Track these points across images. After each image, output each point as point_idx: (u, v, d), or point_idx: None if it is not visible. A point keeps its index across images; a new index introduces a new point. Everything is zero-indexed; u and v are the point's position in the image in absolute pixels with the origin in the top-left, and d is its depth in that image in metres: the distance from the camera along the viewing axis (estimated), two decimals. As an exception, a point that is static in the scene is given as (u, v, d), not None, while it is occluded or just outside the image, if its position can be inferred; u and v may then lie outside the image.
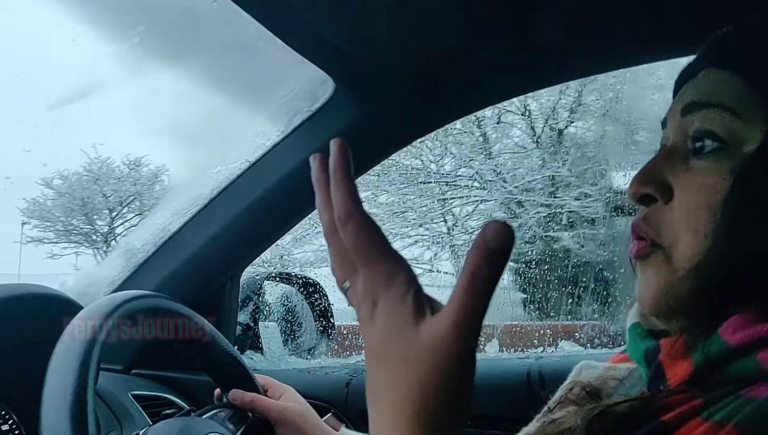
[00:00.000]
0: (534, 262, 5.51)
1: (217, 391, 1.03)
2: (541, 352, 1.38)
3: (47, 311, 0.93)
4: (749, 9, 0.59)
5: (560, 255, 5.70)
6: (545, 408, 0.66)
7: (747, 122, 0.54)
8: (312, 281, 1.72)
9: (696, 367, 0.51)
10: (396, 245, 0.47)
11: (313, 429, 1.00)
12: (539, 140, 6.55)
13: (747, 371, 0.48)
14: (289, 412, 1.00)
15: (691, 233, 0.54)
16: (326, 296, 1.71)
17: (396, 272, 0.45)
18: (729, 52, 0.58)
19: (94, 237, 9.95)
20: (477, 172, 6.66)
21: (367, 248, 0.46)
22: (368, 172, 1.34)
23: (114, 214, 9.89)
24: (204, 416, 0.92)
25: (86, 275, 1.36)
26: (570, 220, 6.09)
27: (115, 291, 1.24)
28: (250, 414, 0.99)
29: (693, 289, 0.53)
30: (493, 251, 0.41)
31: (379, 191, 6.68)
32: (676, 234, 0.56)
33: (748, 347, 0.49)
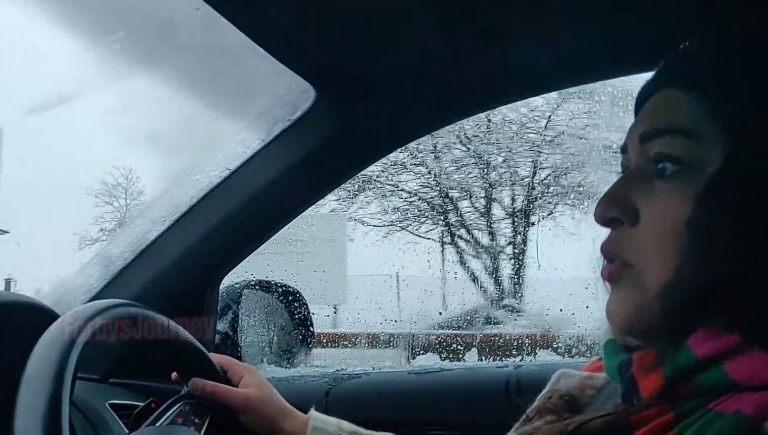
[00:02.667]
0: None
1: (174, 374, 1.00)
2: (520, 360, 1.39)
3: (21, 320, 0.91)
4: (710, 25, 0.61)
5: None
6: (524, 417, 0.67)
7: (706, 143, 0.54)
8: (292, 290, 1.71)
9: (666, 379, 0.52)
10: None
11: (277, 413, 0.98)
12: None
13: (715, 382, 0.50)
14: (250, 399, 0.98)
15: (658, 255, 0.55)
16: (306, 305, 1.71)
17: None
18: (685, 70, 0.59)
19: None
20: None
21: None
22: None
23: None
24: (169, 412, 0.90)
25: (62, 283, 1.35)
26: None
27: (92, 299, 1.23)
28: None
29: (662, 308, 0.54)
30: None
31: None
32: (644, 256, 0.56)
33: (715, 358, 0.50)
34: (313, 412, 1.01)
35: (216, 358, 1.01)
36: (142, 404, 0.96)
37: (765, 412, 0.46)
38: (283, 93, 1.17)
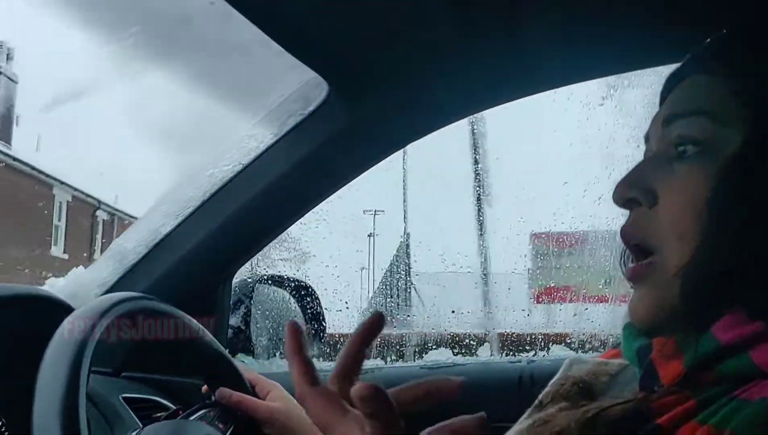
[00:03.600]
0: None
1: (205, 386, 1.02)
2: (533, 355, 1.39)
3: (37, 313, 0.92)
4: (734, 16, 0.60)
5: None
6: (536, 402, 0.66)
7: (727, 126, 0.54)
8: (304, 284, 1.71)
9: (688, 366, 0.51)
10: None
11: (301, 428, 0.99)
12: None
13: (739, 369, 0.49)
14: (276, 413, 0.99)
15: (677, 236, 0.55)
16: (318, 300, 1.71)
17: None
18: (713, 58, 0.59)
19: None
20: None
21: (321, 418, 0.52)
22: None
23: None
24: (193, 417, 0.91)
25: (76, 277, 1.35)
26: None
27: (105, 293, 1.23)
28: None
29: (683, 291, 0.53)
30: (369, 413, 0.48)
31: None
32: (663, 238, 0.56)
33: (740, 345, 0.49)
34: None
35: (245, 373, 1.03)
36: (157, 399, 0.96)
37: None
38: (296, 87, 1.16)
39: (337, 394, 0.53)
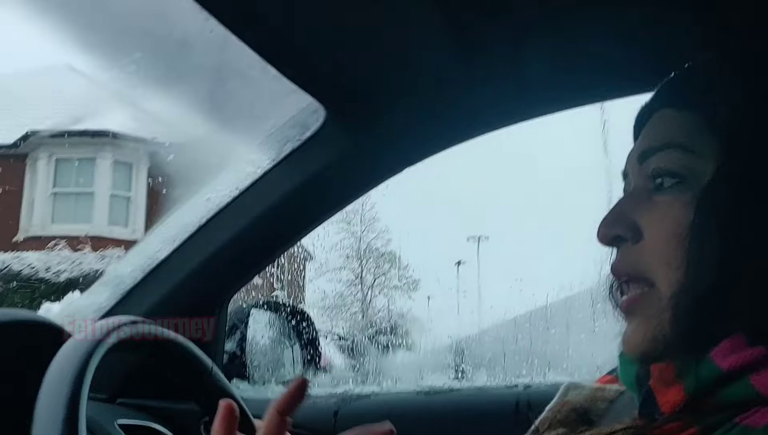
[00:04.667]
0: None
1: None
2: (530, 380, 1.38)
3: (35, 338, 0.92)
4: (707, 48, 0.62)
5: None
6: (533, 428, 0.66)
7: (700, 156, 0.56)
8: (299, 310, 1.71)
9: (688, 393, 0.51)
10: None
11: None
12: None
13: (740, 395, 0.49)
14: None
15: (664, 265, 0.56)
16: (313, 325, 1.71)
17: None
18: (680, 91, 0.61)
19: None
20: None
21: None
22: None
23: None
24: None
25: (71, 302, 1.35)
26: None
27: (101, 318, 1.23)
28: None
29: (676, 318, 0.54)
30: None
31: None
32: (652, 270, 0.57)
33: (740, 371, 0.49)
34: None
35: (256, 422, 1.02)
36: (153, 425, 0.95)
37: None
38: (293, 113, 1.17)
39: None
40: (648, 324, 0.57)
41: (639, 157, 0.61)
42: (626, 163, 0.64)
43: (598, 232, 0.61)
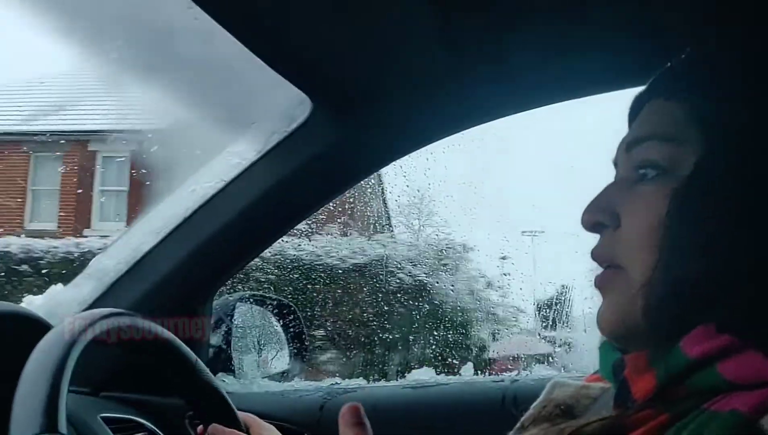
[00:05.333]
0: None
1: (200, 428, 1.00)
2: (516, 375, 1.38)
3: (15, 331, 0.90)
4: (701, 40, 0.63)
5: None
6: (518, 425, 0.67)
7: (683, 147, 0.57)
8: (285, 304, 1.71)
9: (659, 381, 0.53)
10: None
11: None
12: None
13: (708, 383, 0.50)
14: None
15: (639, 254, 0.57)
16: (300, 319, 1.70)
17: None
18: (670, 82, 0.63)
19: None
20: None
21: None
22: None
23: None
24: None
25: (54, 294, 1.33)
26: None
27: (84, 310, 1.21)
28: None
29: (644, 306, 0.55)
30: None
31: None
32: (628, 256, 0.59)
33: (708, 359, 0.50)
34: None
35: (240, 414, 1.02)
36: (136, 419, 0.95)
37: (761, 410, 0.46)
38: (280, 104, 1.17)
39: None
40: (619, 303, 0.59)
41: (627, 146, 0.63)
42: (616, 151, 0.65)
43: (581, 218, 0.63)
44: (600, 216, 0.62)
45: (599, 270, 0.63)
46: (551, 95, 1.13)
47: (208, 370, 0.97)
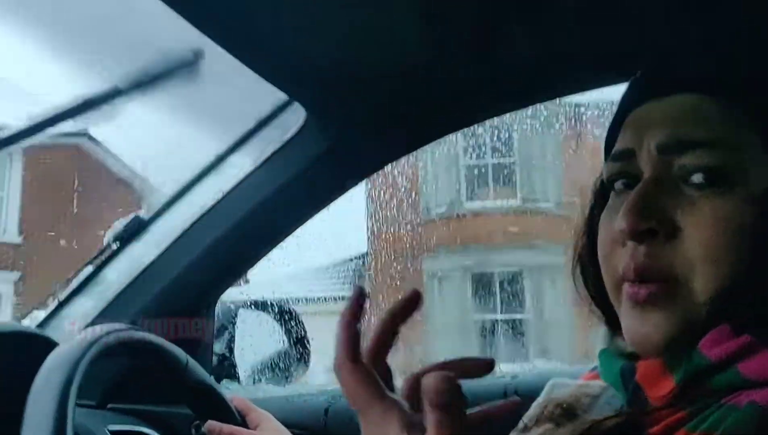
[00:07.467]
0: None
1: (196, 422, 1.02)
2: (518, 369, 1.39)
3: (20, 349, 0.92)
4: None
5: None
6: (521, 425, 0.67)
7: (744, 151, 0.54)
8: (288, 309, 1.71)
9: (678, 383, 0.52)
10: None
11: None
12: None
13: (729, 382, 0.50)
14: None
15: (710, 265, 0.53)
16: (302, 323, 1.71)
17: (387, 418, 0.47)
18: (714, 75, 0.57)
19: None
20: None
21: (356, 395, 0.49)
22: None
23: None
24: None
25: (57, 310, 1.34)
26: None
27: (88, 325, 1.23)
28: None
29: (711, 318, 0.53)
30: (443, 405, 0.43)
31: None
32: (691, 267, 0.54)
33: (728, 359, 0.51)
34: None
35: (236, 401, 1.02)
36: (144, 430, 0.96)
37: None
38: (274, 114, 1.18)
39: (376, 375, 0.49)
40: (675, 318, 0.54)
41: (663, 149, 0.56)
42: (629, 142, 0.59)
43: (623, 222, 0.55)
44: (653, 223, 0.55)
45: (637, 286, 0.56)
46: (539, 93, 1.14)
47: (201, 368, 0.98)
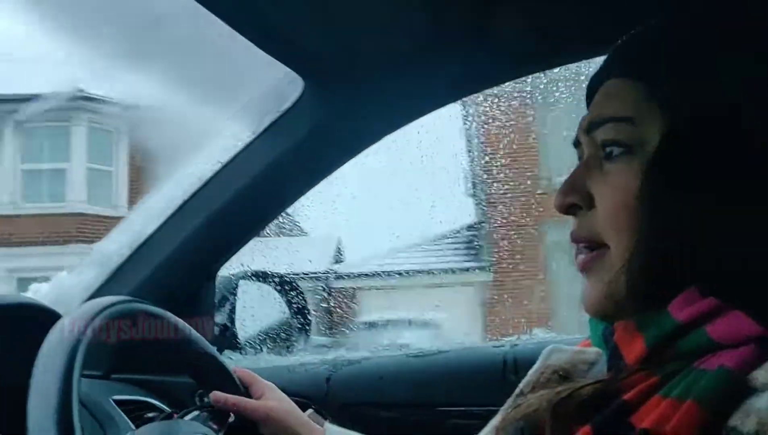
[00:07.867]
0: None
1: (200, 391, 1.03)
2: (516, 339, 1.40)
3: (24, 321, 0.92)
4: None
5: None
6: (518, 390, 0.68)
7: (645, 126, 0.58)
8: (288, 279, 1.72)
9: (649, 345, 0.55)
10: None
11: (298, 426, 1.00)
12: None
13: (698, 344, 0.52)
14: (274, 412, 1.00)
15: (617, 231, 0.59)
16: (302, 293, 1.72)
17: None
18: (629, 59, 0.63)
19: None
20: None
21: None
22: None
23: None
24: (186, 418, 0.92)
25: (60, 282, 1.35)
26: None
27: (91, 297, 1.23)
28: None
29: (630, 282, 0.57)
30: None
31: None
32: (606, 235, 0.60)
33: (696, 321, 0.52)
34: (328, 425, 1.03)
35: (239, 372, 1.03)
36: (148, 400, 0.97)
37: (747, 365, 0.48)
38: (271, 84, 1.17)
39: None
40: (602, 283, 0.60)
41: (587, 128, 0.64)
42: (577, 131, 0.66)
43: (555, 201, 0.64)
44: (574, 197, 0.62)
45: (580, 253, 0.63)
46: (536, 64, 1.14)
47: (203, 339, 0.99)
